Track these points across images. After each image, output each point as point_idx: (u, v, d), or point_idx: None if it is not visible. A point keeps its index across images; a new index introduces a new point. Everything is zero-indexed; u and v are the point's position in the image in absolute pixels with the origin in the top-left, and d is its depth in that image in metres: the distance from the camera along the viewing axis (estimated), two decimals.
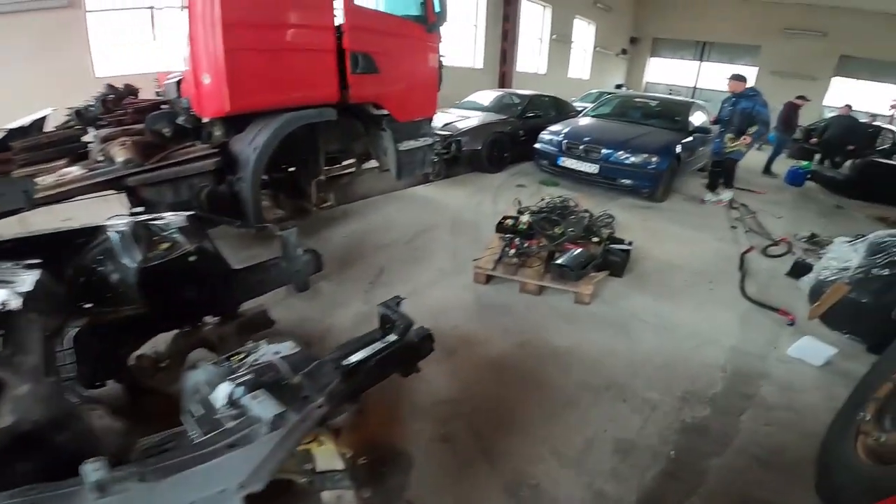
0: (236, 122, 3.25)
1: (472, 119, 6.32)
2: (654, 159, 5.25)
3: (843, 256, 3.01)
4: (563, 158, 5.64)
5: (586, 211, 4.21)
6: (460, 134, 5.83)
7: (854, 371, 2.41)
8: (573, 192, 5.74)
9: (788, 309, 3.23)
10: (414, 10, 4.03)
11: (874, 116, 9.06)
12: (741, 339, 2.92)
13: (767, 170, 8.50)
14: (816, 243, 4.62)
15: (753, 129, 5.39)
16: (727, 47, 17.17)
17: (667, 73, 18.62)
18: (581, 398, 2.28)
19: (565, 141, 5.67)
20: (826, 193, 7.26)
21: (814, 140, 9.03)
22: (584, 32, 15.74)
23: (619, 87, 16.90)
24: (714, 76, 17.68)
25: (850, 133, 8.69)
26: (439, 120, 6.18)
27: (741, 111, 5.42)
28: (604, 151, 5.38)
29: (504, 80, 11.70)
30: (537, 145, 6.04)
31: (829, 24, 14.89)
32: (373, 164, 4.60)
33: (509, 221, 3.80)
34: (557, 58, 14.34)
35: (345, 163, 4.71)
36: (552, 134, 5.94)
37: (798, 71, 15.55)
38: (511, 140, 6.48)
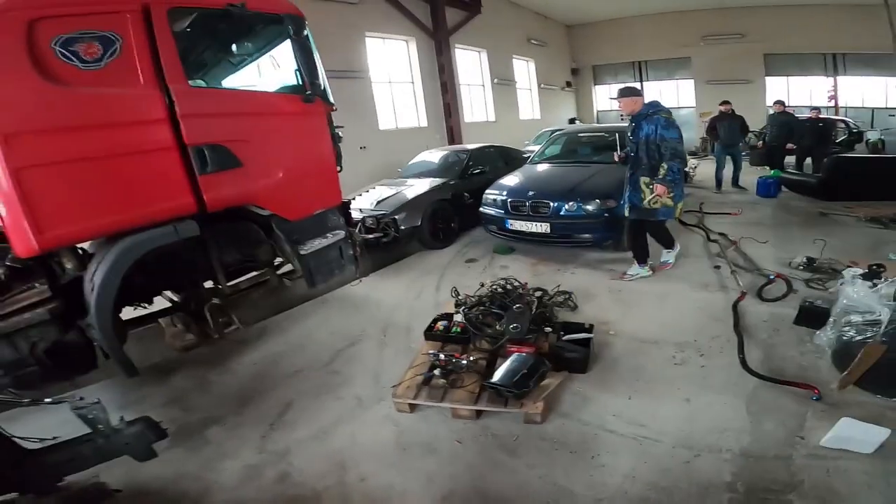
0: None
1: (409, 189, 5.73)
2: (609, 203, 4.64)
3: (865, 305, 2.46)
4: (510, 221, 5.00)
5: (538, 291, 3.53)
6: (395, 211, 5.19)
7: None
8: (531, 256, 5.15)
9: (809, 378, 2.52)
10: (284, 81, 3.44)
11: (818, 110, 8.82)
12: (753, 437, 2.18)
13: (736, 183, 8.07)
14: (817, 270, 4.00)
15: (663, 170, 3.78)
16: (662, 63, 17.53)
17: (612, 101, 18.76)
18: None
19: (509, 199, 5.06)
20: (805, 200, 6.80)
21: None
22: (524, 71, 15.83)
23: (572, 121, 16.96)
24: (658, 95, 18.00)
25: (790, 131, 8.42)
26: (371, 198, 5.60)
27: (645, 140, 3.85)
28: (552, 205, 4.76)
29: (453, 134, 11.39)
30: (482, 208, 5.44)
31: (745, 24, 15.34)
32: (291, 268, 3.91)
33: (440, 325, 3.13)
34: (505, 102, 14.26)
35: (252, 274, 4.05)
36: (495, 191, 5.35)
37: (730, 77, 15.81)
38: (456, 206, 5.88)
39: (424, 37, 10.93)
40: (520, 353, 2.73)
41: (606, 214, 4.63)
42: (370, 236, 5.08)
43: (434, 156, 7.10)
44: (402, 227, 5.18)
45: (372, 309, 4.23)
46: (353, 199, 5.75)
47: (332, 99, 3.54)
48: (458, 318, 3.23)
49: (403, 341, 3.55)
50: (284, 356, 3.47)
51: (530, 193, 4.91)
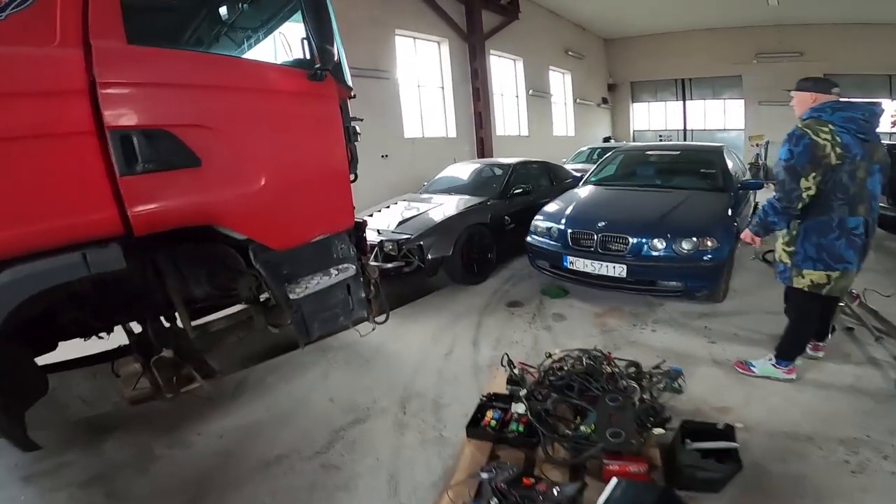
0: None
1: (439, 209, 4.64)
2: (709, 243, 3.48)
3: None
4: (570, 258, 3.85)
5: (631, 366, 2.41)
6: (421, 236, 4.09)
7: None
8: (592, 303, 3.99)
9: None
10: (285, 53, 2.42)
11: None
12: None
13: None
14: None
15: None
16: (708, 81, 16.39)
17: (653, 119, 17.68)
18: None
19: (570, 231, 3.91)
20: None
21: None
22: (559, 84, 14.81)
23: (607, 139, 15.81)
24: (702, 115, 16.83)
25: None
26: (392, 217, 4.53)
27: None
28: (632, 242, 3.61)
29: (483, 147, 10.35)
30: (530, 239, 4.29)
31: (804, 42, 14.14)
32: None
33: (491, 417, 2.10)
34: (538, 116, 13.22)
35: (232, 310, 3.03)
36: (548, 219, 4.21)
37: (785, 98, 14.30)
38: (495, 232, 4.76)
39: (458, 39, 9.98)
40: (628, 479, 1.66)
41: (706, 256, 3.46)
42: (389, 265, 3.99)
43: (466, 169, 6.01)
44: (430, 257, 4.08)
45: (387, 366, 3.13)
46: (370, 216, 4.69)
47: (349, 80, 2.50)
48: (519, 408, 2.16)
49: (432, 424, 2.44)
50: (263, 429, 2.44)
51: (601, 225, 3.76)
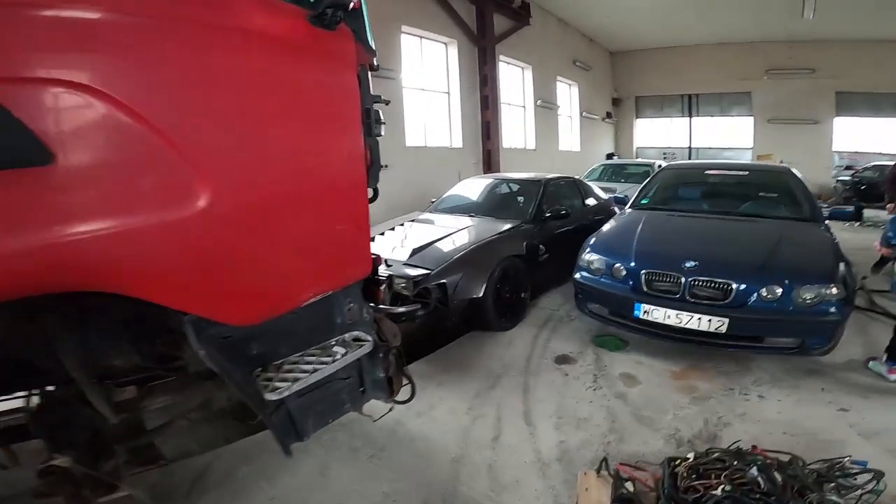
0: None
1: (459, 236, 3.70)
2: (834, 290, 2.62)
3: None
4: (644, 306, 2.92)
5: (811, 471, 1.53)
6: (443, 272, 3.13)
7: None
8: (665, 359, 3.10)
9: None
10: None
11: None
12: None
13: None
14: None
15: None
16: (716, 98, 15.87)
17: (656, 135, 17.09)
18: None
19: (643, 271, 2.98)
20: None
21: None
22: (566, 96, 14.10)
23: (610, 156, 15.13)
24: (709, 132, 16.30)
25: None
26: (401, 241, 3.58)
27: None
28: (735, 288, 2.70)
29: (490, 159, 9.47)
30: (579, 277, 3.37)
31: (817, 59, 13.74)
32: None
33: None
34: (545, 128, 12.43)
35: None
36: (605, 254, 3.30)
37: (796, 116, 14.24)
38: (530, 266, 3.82)
39: (467, 41, 9.16)
40: None
41: (829, 308, 2.59)
42: (401, 309, 3.02)
43: (481, 186, 5.09)
44: (456, 300, 3.11)
45: (412, 457, 2.24)
46: (371, 240, 3.73)
47: (372, 40, 1.58)
48: None
49: None
50: None
51: (689, 266, 2.83)
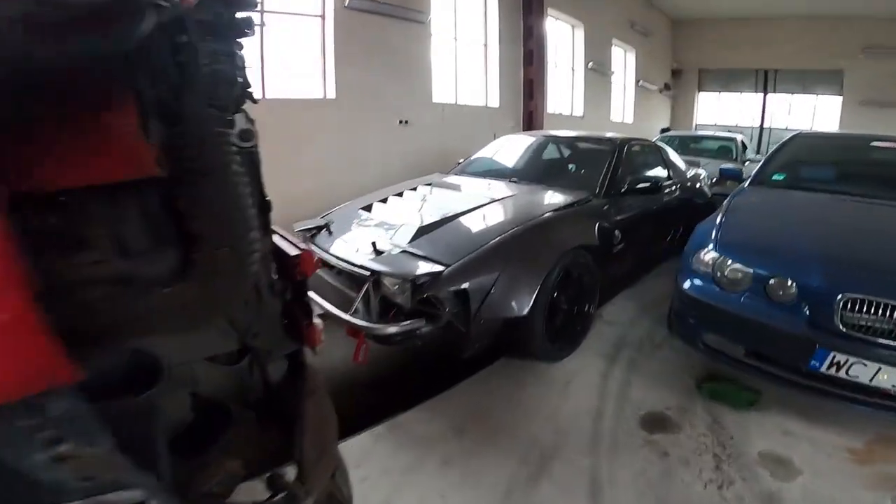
0: None
1: (493, 211, 2.37)
2: None
3: None
4: (837, 355, 1.55)
5: None
6: (467, 267, 1.83)
7: None
8: (825, 429, 1.72)
9: None
10: None
11: None
12: None
13: None
14: None
15: None
16: (797, 74, 13.69)
17: (722, 111, 15.05)
18: None
19: (841, 295, 1.60)
20: None
21: None
22: (621, 63, 12.31)
23: (665, 131, 13.33)
24: (785, 111, 14.19)
25: None
26: (406, 216, 2.28)
27: None
28: None
29: (532, 122, 8.00)
30: (691, 290, 2.01)
31: None
32: None
33: None
34: (596, 95, 10.77)
35: None
36: (755, 257, 1.91)
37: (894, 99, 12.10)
38: (601, 261, 2.47)
39: None
40: None
41: None
42: (392, 330, 1.76)
43: (525, 145, 3.68)
44: (483, 319, 1.82)
45: None
46: (366, 209, 2.47)
47: None
48: None
49: None
50: None
51: None
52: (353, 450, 1.71)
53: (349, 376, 2.30)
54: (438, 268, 1.81)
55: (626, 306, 2.99)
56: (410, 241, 2.02)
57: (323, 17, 5.34)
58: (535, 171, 3.25)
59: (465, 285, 1.78)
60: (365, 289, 1.81)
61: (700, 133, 8.81)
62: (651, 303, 3.04)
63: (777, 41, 13.31)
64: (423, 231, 2.08)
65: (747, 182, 3.02)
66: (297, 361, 0.94)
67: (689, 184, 3.93)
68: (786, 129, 14.01)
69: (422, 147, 5.95)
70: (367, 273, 1.84)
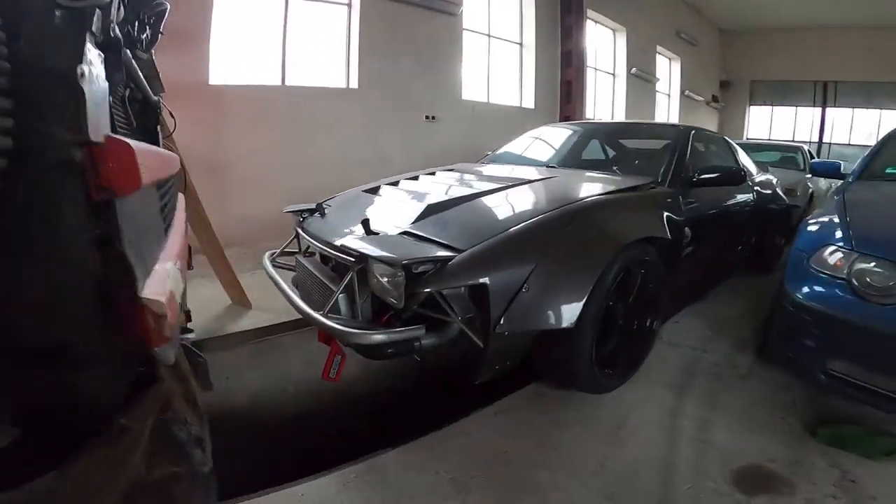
0: None
1: (525, 192, 1.83)
2: None
3: None
4: None
5: None
6: (486, 255, 1.30)
7: None
8: None
9: None
10: None
11: None
12: None
13: None
14: None
15: None
16: (860, 87, 12.60)
17: (775, 126, 14.04)
18: None
19: None
20: None
21: None
22: (666, 72, 11.63)
23: None
24: (845, 126, 13.06)
25: None
26: (416, 192, 1.75)
27: None
28: None
29: None
30: (805, 296, 1.42)
31: None
32: None
33: None
34: (638, 103, 10.12)
35: None
36: None
37: None
38: (668, 262, 1.87)
39: None
40: None
41: None
42: (379, 338, 1.23)
43: (573, 133, 3.11)
44: (507, 330, 1.27)
45: None
46: (373, 191, 1.99)
47: None
48: None
49: None
50: None
51: None
52: (306, 500, 1.19)
53: (315, 393, 1.81)
54: (447, 253, 1.28)
55: (692, 325, 2.36)
56: (415, 222, 1.51)
57: (349, 4, 5.03)
58: (579, 158, 2.69)
59: (483, 279, 1.24)
60: (347, 279, 1.31)
61: (761, 141, 8.01)
62: (724, 322, 2.42)
63: (838, 51, 12.37)
64: (433, 209, 1.57)
65: (851, 177, 2.39)
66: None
67: (761, 187, 3.28)
68: (848, 144, 12.88)
69: (449, 144, 5.50)
70: (352, 259, 1.33)
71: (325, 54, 4.89)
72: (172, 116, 1.95)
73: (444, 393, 1.86)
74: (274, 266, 1.86)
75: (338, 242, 1.49)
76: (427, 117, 5.46)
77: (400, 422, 1.65)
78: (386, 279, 1.25)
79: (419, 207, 1.60)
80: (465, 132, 5.85)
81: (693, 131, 2.61)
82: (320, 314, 1.28)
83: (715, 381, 1.82)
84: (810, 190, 5.38)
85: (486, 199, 1.69)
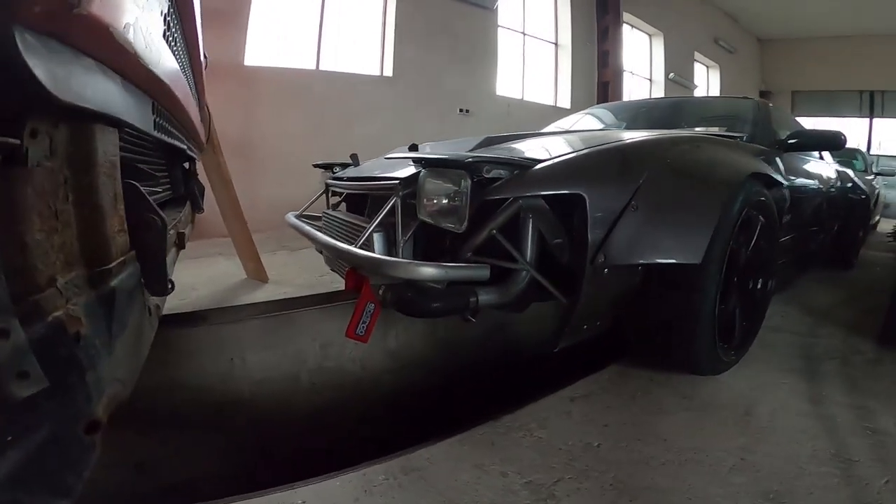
0: None
1: (607, 132, 1.60)
2: None
3: None
4: None
5: None
6: (574, 166, 1.04)
7: None
8: None
9: None
10: None
11: None
12: None
13: None
14: None
15: None
16: None
17: None
18: None
19: None
20: None
21: None
22: (703, 79, 11.29)
23: None
24: (893, 137, 12.37)
25: None
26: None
27: None
28: None
29: None
30: None
31: None
32: None
33: None
34: None
35: None
36: None
37: None
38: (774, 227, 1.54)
39: None
40: None
41: None
42: (429, 272, 0.95)
43: (631, 105, 2.87)
44: (609, 261, 0.97)
45: None
46: (415, 147, 1.72)
47: None
48: None
49: None
50: None
51: None
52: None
53: (338, 369, 1.53)
54: (504, 167, 0.99)
55: (787, 312, 2.00)
56: (473, 150, 1.24)
57: None
58: (647, 121, 2.39)
59: (578, 190, 0.93)
60: (386, 208, 1.03)
61: None
62: (823, 310, 2.06)
63: (885, 59, 11.78)
64: (494, 140, 1.30)
65: None
66: None
67: (841, 176, 2.94)
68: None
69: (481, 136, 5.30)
70: (396, 182, 1.06)
71: (361, 41, 4.77)
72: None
73: (496, 370, 1.56)
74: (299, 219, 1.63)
75: (379, 174, 1.23)
76: (461, 110, 5.26)
77: (441, 409, 1.35)
78: (444, 192, 0.96)
79: (476, 139, 1.34)
80: (498, 128, 5.62)
81: (765, 103, 2.31)
82: (352, 247, 1.02)
83: (845, 365, 1.46)
84: (877, 190, 5.05)
85: (559, 136, 1.41)
